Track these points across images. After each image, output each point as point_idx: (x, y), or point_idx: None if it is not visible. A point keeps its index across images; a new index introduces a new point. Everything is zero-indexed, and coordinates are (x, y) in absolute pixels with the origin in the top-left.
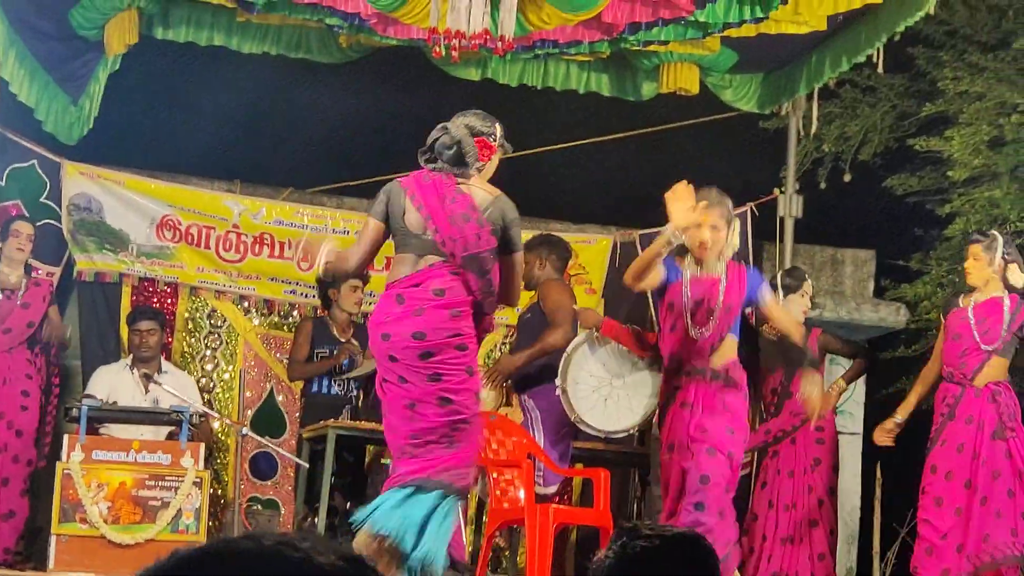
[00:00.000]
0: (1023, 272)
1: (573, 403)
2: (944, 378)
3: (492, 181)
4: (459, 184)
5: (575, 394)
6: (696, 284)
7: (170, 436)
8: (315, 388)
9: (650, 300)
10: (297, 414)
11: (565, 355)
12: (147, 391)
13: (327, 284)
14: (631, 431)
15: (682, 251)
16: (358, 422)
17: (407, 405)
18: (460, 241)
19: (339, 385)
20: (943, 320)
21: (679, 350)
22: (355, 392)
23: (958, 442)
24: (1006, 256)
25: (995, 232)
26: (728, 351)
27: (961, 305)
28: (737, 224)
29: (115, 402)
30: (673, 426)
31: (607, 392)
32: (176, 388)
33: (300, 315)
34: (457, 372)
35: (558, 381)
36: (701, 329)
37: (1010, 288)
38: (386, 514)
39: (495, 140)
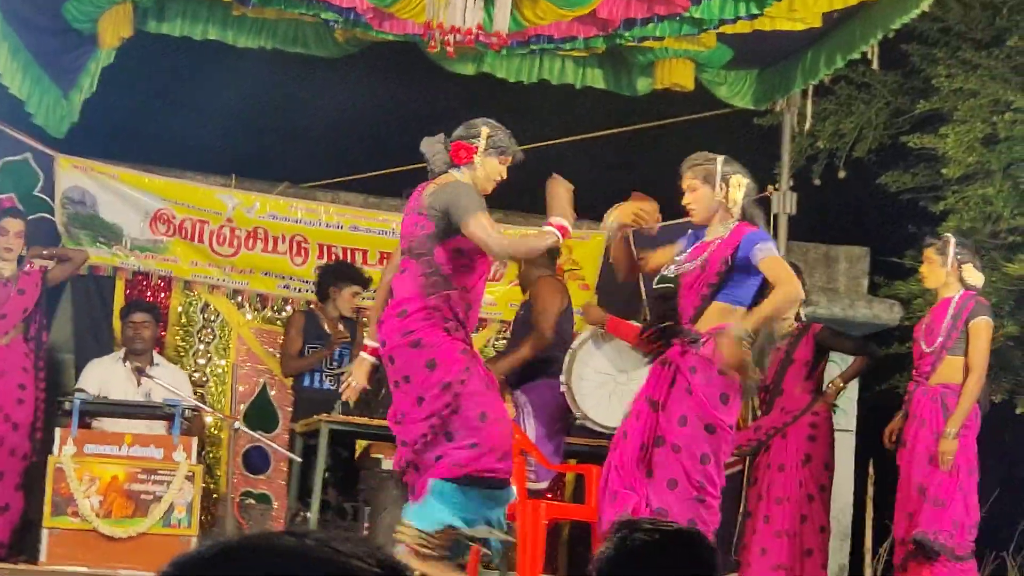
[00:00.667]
0: (978, 271)
1: (577, 400)
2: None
3: (504, 183)
4: (426, 185)
5: (580, 390)
6: (694, 249)
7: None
8: (307, 383)
9: (644, 295)
10: (289, 408)
11: (570, 351)
12: (139, 384)
13: (330, 281)
14: None
15: None
16: (351, 417)
17: (396, 420)
18: (405, 236)
19: (331, 380)
20: None
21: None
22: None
23: (911, 443)
24: (958, 257)
25: (948, 235)
26: (714, 318)
27: (926, 311)
28: (739, 181)
29: (106, 396)
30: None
31: (611, 388)
32: (168, 382)
33: (294, 309)
34: (418, 371)
35: (562, 378)
36: (687, 292)
37: (967, 287)
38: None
39: (477, 142)
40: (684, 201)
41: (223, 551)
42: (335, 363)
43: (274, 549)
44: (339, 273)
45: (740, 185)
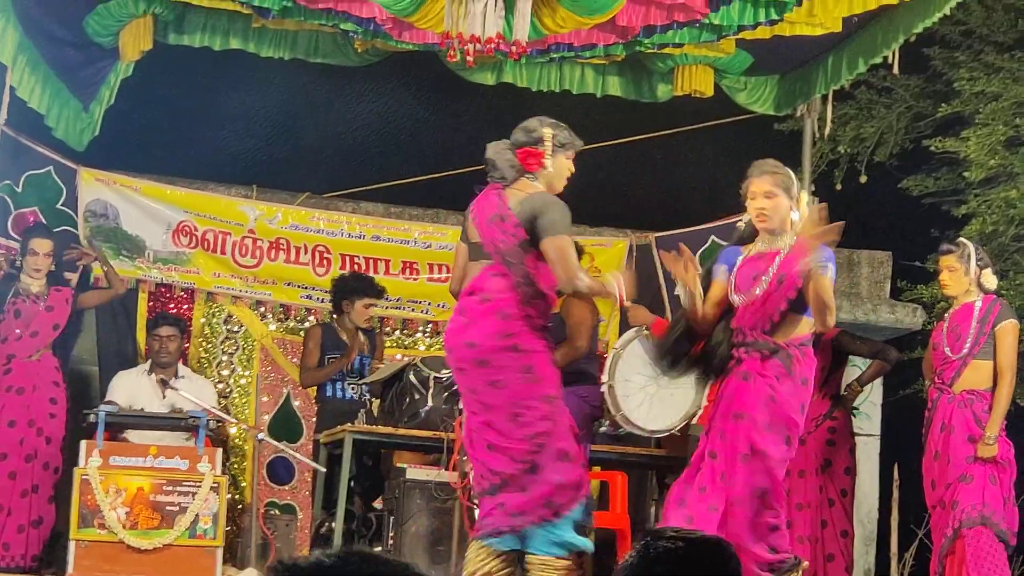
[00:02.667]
0: (993, 274)
1: (620, 401)
2: (931, 384)
3: (573, 177)
4: (502, 191)
5: (623, 391)
6: (753, 260)
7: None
8: (329, 393)
9: (666, 304)
10: (313, 419)
11: (614, 351)
12: (164, 396)
13: (343, 294)
14: (672, 430)
15: (751, 237)
16: (375, 427)
17: (487, 446)
18: (493, 241)
19: (354, 389)
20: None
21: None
22: (369, 396)
23: (934, 450)
24: (979, 263)
25: (963, 240)
26: (791, 328)
27: (945, 317)
28: (805, 197)
29: (141, 408)
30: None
31: (653, 391)
32: (193, 392)
33: (316, 320)
34: (514, 374)
35: (604, 377)
36: (742, 294)
37: (985, 291)
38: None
39: (543, 145)
40: (758, 206)
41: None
42: (356, 373)
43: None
44: (351, 286)
45: (806, 202)
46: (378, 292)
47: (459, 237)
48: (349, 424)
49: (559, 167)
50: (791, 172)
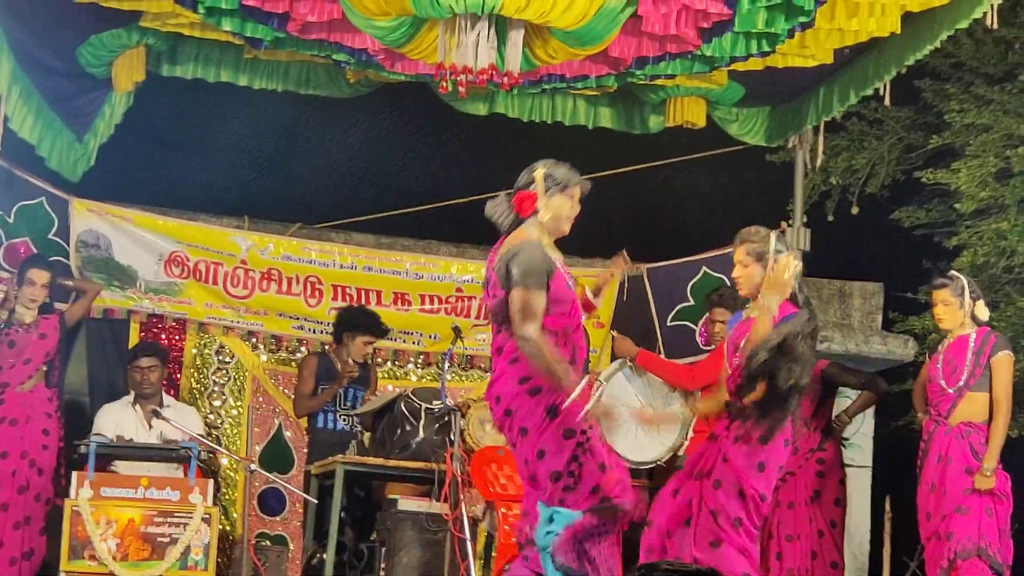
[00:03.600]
0: (985, 306)
1: (606, 433)
2: (926, 415)
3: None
4: (501, 244)
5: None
6: (739, 326)
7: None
8: (321, 423)
9: (659, 335)
10: (304, 450)
11: (598, 384)
12: (150, 427)
13: (346, 327)
14: (658, 463)
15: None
16: (366, 458)
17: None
18: (486, 305)
19: (345, 421)
20: (927, 361)
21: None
22: (360, 428)
23: (930, 482)
24: (972, 295)
25: (956, 273)
26: (760, 391)
27: (938, 349)
28: (788, 262)
29: (131, 439)
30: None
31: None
32: (180, 422)
33: (308, 350)
34: (536, 419)
35: None
36: (730, 365)
37: (978, 323)
38: None
39: (534, 188)
40: (733, 274)
41: None
42: (348, 404)
43: None
44: (356, 321)
45: (788, 267)
46: (382, 332)
47: None
48: (340, 455)
49: (556, 207)
50: (769, 236)
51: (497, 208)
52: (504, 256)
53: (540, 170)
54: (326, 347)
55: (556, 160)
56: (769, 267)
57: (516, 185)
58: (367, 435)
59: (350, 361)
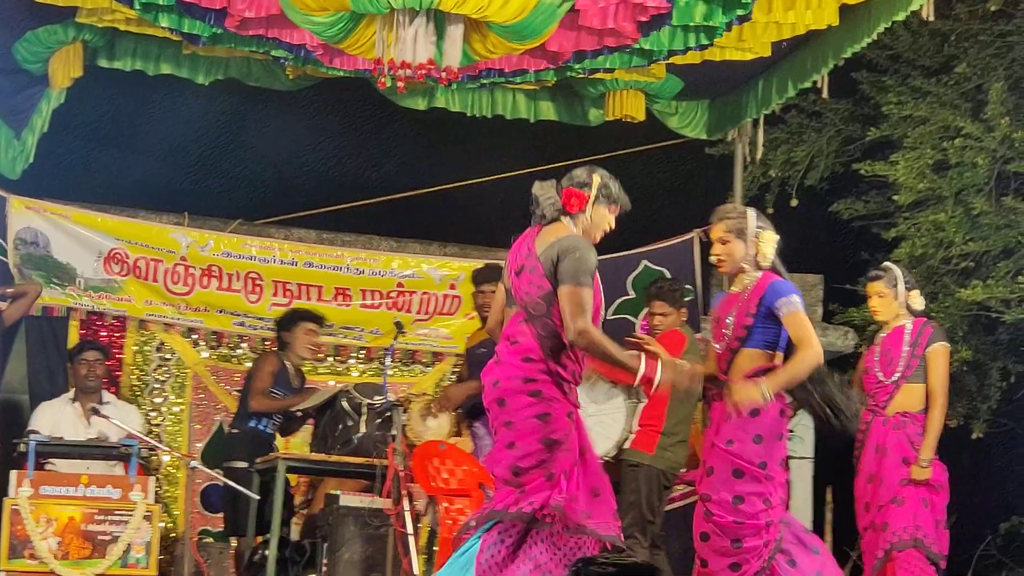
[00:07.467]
0: (920, 296)
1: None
2: (864, 406)
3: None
4: (536, 234)
5: None
6: (723, 301)
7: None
8: (252, 423)
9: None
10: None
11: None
12: (90, 424)
13: (281, 327)
14: (605, 458)
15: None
16: (308, 453)
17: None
18: (519, 292)
19: (273, 425)
20: (864, 352)
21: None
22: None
23: (868, 473)
24: (907, 286)
25: (889, 264)
26: (744, 364)
27: (875, 341)
28: (770, 236)
29: (61, 437)
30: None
31: (583, 419)
32: (120, 419)
33: (249, 347)
34: (527, 420)
35: None
36: (717, 344)
37: (914, 313)
38: None
39: (588, 191)
40: (714, 252)
41: None
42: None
43: None
44: (292, 315)
45: (770, 241)
46: (317, 318)
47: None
48: (283, 451)
49: (599, 217)
50: (747, 212)
51: (545, 194)
52: (557, 248)
53: (599, 177)
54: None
55: (610, 174)
56: (751, 243)
57: (571, 181)
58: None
59: (302, 393)
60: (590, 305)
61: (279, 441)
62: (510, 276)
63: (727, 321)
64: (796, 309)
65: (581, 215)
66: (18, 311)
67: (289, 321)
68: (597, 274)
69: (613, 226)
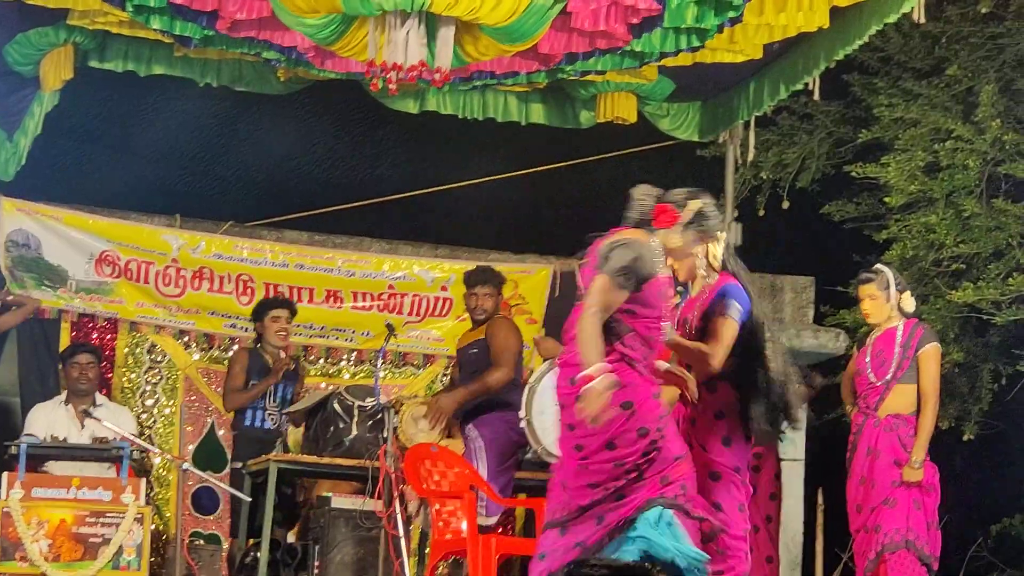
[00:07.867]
0: (912, 297)
1: (539, 435)
2: (855, 408)
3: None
4: (614, 232)
5: (541, 425)
6: (685, 304)
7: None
8: (248, 422)
9: None
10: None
11: (528, 387)
12: (83, 426)
13: (253, 319)
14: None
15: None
16: (300, 455)
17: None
18: (582, 286)
19: (272, 420)
20: (855, 354)
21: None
22: (286, 427)
23: (859, 475)
24: (898, 287)
25: (880, 267)
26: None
27: (866, 342)
28: (722, 236)
29: (64, 439)
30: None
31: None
32: (112, 422)
33: (240, 349)
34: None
35: (522, 413)
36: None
37: (906, 315)
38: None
39: (681, 210)
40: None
41: None
42: (277, 401)
43: None
44: (257, 310)
45: (719, 240)
46: (284, 304)
47: None
48: (274, 453)
49: (684, 242)
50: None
51: (644, 201)
52: (611, 241)
53: (699, 203)
54: (257, 345)
55: (715, 203)
56: (709, 248)
57: (670, 197)
58: (296, 432)
59: (282, 354)
60: (610, 301)
61: (292, 432)
62: (580, 268)
63: (686, 324)
64: (729, 314)
65: (665, 233)
66: (13, 320)
67: (259, 313)
68: (664, 285)
69: (702, 264)
